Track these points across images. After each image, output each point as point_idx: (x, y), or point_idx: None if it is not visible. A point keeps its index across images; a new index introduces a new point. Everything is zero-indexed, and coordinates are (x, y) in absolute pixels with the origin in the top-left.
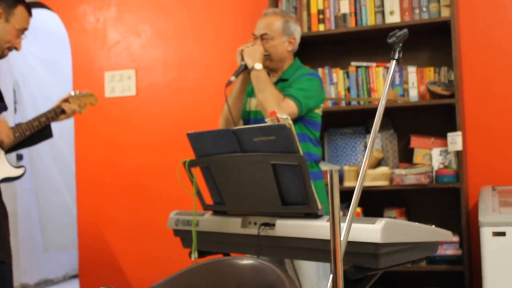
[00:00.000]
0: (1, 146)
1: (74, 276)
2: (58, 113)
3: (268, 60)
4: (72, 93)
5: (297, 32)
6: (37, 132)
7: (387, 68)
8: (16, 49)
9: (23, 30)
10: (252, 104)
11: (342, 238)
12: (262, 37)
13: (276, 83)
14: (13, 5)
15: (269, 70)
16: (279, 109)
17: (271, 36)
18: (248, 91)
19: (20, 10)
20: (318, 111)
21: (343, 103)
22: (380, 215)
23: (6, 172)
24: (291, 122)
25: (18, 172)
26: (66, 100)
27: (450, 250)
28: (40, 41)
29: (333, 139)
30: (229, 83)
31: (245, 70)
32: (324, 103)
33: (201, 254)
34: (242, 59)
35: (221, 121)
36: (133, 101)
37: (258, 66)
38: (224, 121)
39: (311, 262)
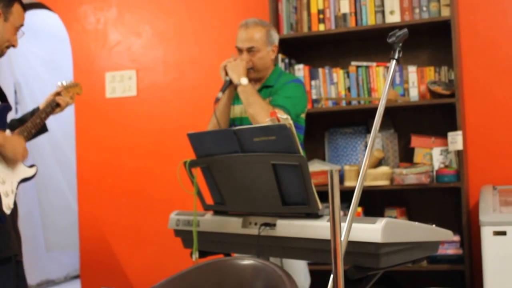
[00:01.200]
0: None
1: (76, 277)
2: (54, 107)
3: (254, 72)
4: (60, 84)
5: (277, 40)
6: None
7: (387, 68)
8: (13, 46)
9: (19, 27)
10: (236, 111)
11: (342, 238)
12: (249, 50)
13: (260, 90)
14: (10, 4)
15: (254, 79)
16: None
17: (257, 49)
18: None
19: (16, 7)
20: (303, 116)
21: (343, 103)
22: (380, 214)
23: (23, 173)
24: (291, 122)
25: (32, 171)
26: (58, 94)
27: (451, 250)
28: (40, 42)
29: (334, 139)
30: (218, 100)
31: (230, 85)
32: (307, 106)
33: (202, 254)
34: (226, 74)
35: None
36: (134, 101)
37: (244, 81)
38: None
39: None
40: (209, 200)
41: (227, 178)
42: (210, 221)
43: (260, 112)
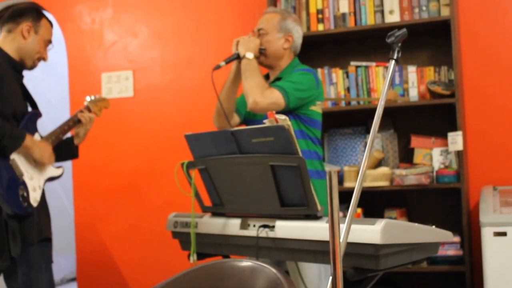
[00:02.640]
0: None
1: (72, 280)
2: (75, 121)
3: (263, 55)
4: (88, 98)
5: (296, 31)
6: (65, 148)
7: (387, 68)
8: (44, 59)
9: (49, 41)
10: None
11: (341, 239)
12: (259, 32)
13: (273, 82)
14: (38, 18)
15: (267, 67)
16: (262, 97)
17: (265, 31)
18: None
19: (44, 22)
20: (315, 108)
21: (342, 103)
22: (380, 215)
23: (50, 172)
24: (289, 123)
25: (59, 172)
26: (87, 108)
27: (451, 251)
28: None
29: (333, 140)
30: (218, 67)
31: (237, 59)
32: (323, 101)
33: (200, 256)
34: (237, 49)
35: (214, 113)
36: (131, 102)
37: (250, 55)
38: (217, 113)
39: (312, 263)
40: (207, 202)
41: (225, 179)
42: (208, 223)
43: (254, 87)
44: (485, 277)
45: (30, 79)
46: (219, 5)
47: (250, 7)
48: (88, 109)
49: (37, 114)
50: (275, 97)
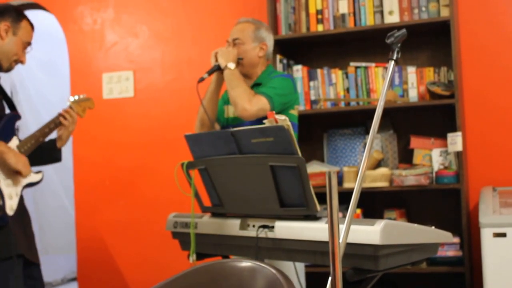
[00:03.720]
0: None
1: (72, 279)
2: (57, 124)
3: (240, 65)
4: (71, 99)
5: (269, 39)
6: (47, 151)
7: (386, 69)
8: (22, 62)
9: (28, 43)
10: (230, 111)
11: (341, 240)
12: (234, 42)
13: (252, 88)
14: (18, 19)
15: (243, 75)
16: (250, 104)
17: (242, 41)
18: (225, 98)
19: (25, 23)
20: (293, 112)
21: (342, 104)
22: (380, 216)
23: (28, 178)
24: (289, 123)
25: (38, 177)
26: (70, 108)
27: (450, 252)
28: (37, 43)
29: (333, 140)
30: (201, 79)
31: (218, 70)
32: (299, 104)
33: (200, 256)
34: (216, 60)
35: (197, 123)
36: (131, 102)
37: (231, 65)
38: (200, 123)
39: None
40: (207, 202)
41: (225, 179)
42: (208, 223)
43: (241, 95)
44: (485, 278)
45: (31, 80)
46: (220, 6)
47: (249, 8)
48: (71, 109)
49: (15, 116)
50: (262, 103)
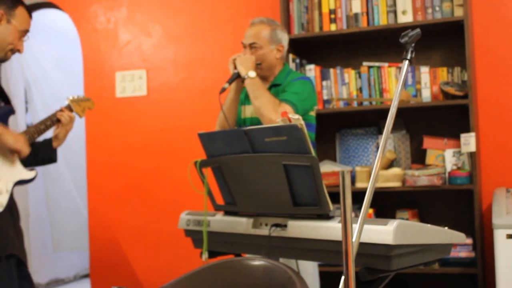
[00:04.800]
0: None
1: (85, 276)
2: (54, 121)
3: (259, 68)
4: (70, 97)
5: (285, 40)
6: (42, 151)
7: (399, 68)
8: (19, 51)
9: (24, 31)
10: (247, 111)
11: (354, 239)
12: (251, 46)
13: (269, 89)
14: (13, 6)
15: (260, 77)
16: (276, 114)
17: (259, 45)
18: (241, 99)
19: (20, 10)
20: (313, 113)
21: (355, 104)
22: (392, 216)
23: (20, 175)
24: (303, 122)
25: (31, 175)
26: (68, 107)
27: (463, 253)
28: (51, 41)
29: (345, 140)
30: (223, 90)
31: (237, 78)
32: (317, 105)
33: (212, 254)
34: (235, 67)
35: (217, 129)
36: (144, 101)
37: (252, 74)
38: (220, 129)
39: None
40: (220, 201)
41: (238, 178)
42: (220, 221)
43: (266, 105)
44: (498, 280)
45: (45, 78)
46: (233, 5)
47: (262, 7)
48: (70, 108)
49: (9, 110)
50: (298, 116)
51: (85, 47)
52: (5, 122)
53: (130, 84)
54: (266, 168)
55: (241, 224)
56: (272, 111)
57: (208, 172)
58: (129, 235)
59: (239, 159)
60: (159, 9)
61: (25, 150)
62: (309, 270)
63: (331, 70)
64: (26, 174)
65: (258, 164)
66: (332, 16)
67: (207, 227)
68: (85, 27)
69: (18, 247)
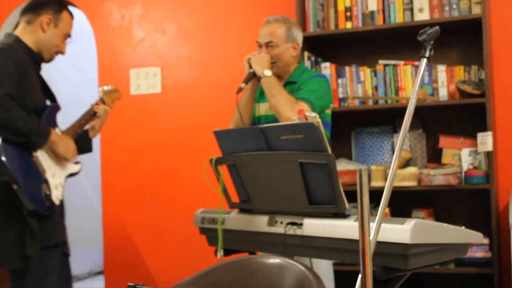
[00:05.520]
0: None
1: (99, 273)
2: (92, 115)
3: (275, 67)
4: (101, 90)
5: (300, 38)
6: (80, 142)
7: (415, 67)
8: (62, 53)
9: (68, 35)
10: (261, 109)
11: (371, 238)
12: (267, 45)
13: (283, 86)
14: (59, 11)
15: (276, 76)
16: (293, 112)
17: (276, 44)
18: (255, 97)
19: (65, 14)
20: (328, 111)
21: (370, 102)
22: (407, 216)
23: (70, 169)
24: (319, 120)
25: (77, 168)
26: (101, 100)
27: (479, 253)
28: None
29: (360, 138)
30: (240, 90)
31: (253, 77)
32: (332, 103)
33: (227, 252)
34: (250, 67)
35: (232, 127)
36: (159, 98)
37: (268, 72)
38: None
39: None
40: (235, 198)
41: (254, 176)
42: (235, 219)
43: (283, 103)
44: None
45: (59, 74)
46: (248, 2)
47: (278, 5)
48: (103, 101)
49: (56, 107)
50: (314, 113)
51: (99, 44)
52: (54, 121)
53: (145, 81)
54: (282, 166)
55: (256, 222)
56: (289, 109)
57: (223, 169)
58: (143, 233)
59: (254, 156)
60: (174, 6)
61: (73, 158)
62: (324, 269)
63: (347, 68)
64: (74, 168)
65: (273, 162)
66: (348, 13)
67: (222, 225)
68: (99, 25)
69: (65, 239)
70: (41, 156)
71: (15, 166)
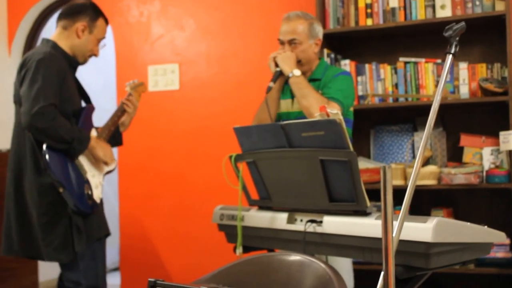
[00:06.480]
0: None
1: (114, 269)
2: (123, 111)
3: (299, 65)
4: (128, 85)
5: (321, 33)
6: (112, 136)
7: (436, 64)
8: (95, 55)
9: (101, 39)
10: (283, 106)
11: (393, 236)
12: (290, 42)
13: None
14: (95, 18)
15: None
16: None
17: (299, 41)
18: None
19: (100, 21)
20: (351, 109)
21: (390, 100)
22: (427, 215)
23: (107, 167)
24: (341, 117)
25: (113, 165)
26: (129, 95)
27: (500, 253)
28: None
29: (380, 137)
30: (269, 89)
31: (280, 76)
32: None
33: (245, 249)
34: (276, 65)
35: (254, 123)
36: (176, 95)
37: (297, 72)
38: (257, 123)
39: (341, 259)
40: (254, 195)
41: (274, 173)
42: (254, 216)
43: (315, 104)
44: None
45: (79, 71)
46: None
47: (297, 1)
48: (131, 96)
49: (91, 108)
50: (336, 110)
51: (117, 41)
52: (91, 122)
53: (163, 78)
54: (302, 163)
55: (276, 220)
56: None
57: (243, 166)
58: (160, 228)
59: (275, 153)
60: (192, 2)
61: (112, 163)
62: (345, 267)
63: (367, 66)
64: (110, 165)
65: (294, 159)
66: (369, 10)
67: (241, 221)
68: (118, 21)
69: (108, 231)
70: (81, 158)
71: (59, 171)
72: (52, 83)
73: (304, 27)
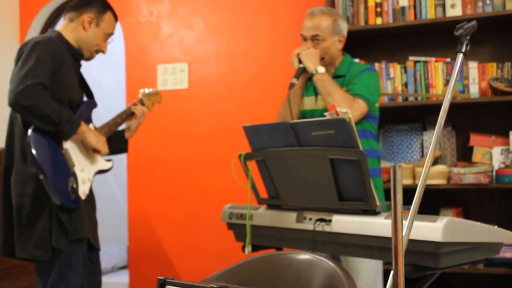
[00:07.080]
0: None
1: (122, 268)
2: (129, 114)
3: (322, 61)
4: (142, 92)
5: (345, 30)
6: (115, 141)
7: (446, 63)
8: (103, 52)
9: (109, 34)
10: (306, 104)
11: (403, 235)
12: (313, 38)
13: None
14: (103, 11)
15: None
16: (352, 110)
17: (322, 38)
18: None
19: (108, 15)
20: (377, 105)
21: (400, 99)
22: (436, 215)
23: (101, 165)
24: (351, 116)
25: (108, 165)
26: (140, 101)
27: (509, 253)
28: None
29: (389, 136)
30: (292, 85)
31: (303, 72)
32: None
33: (254, 248)
34: (299, 62)
35: (278, 120)
36: (185, 94)
37: (321, 69)
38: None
39: (365, 260)
40: (263, 194)
41: (283, 172)
42: (263, 215)
43: (340, 102)
44: None
45: (88, 70)
46: None
47: (306, 0)
48: (142, 102)
49: (92, 104)
50: (362, 107)
51: (127, 40)
52: (90, 117)
53: (172, 77)
54: (312, 162)
55: (285, 218)
56: (348, 108)
57: (252, 165)
58: (169, 226)
59: (284, 152)
60: (202, 2)
61: (105, 150)
62: (372, 268)
63: (376, 65)
64: (105, 164)
65: (304, 158)
66: (378, 9)
67: (250, 220)
68: (128, 20)
69: (90, 234)
70: (72, 150)
71: (43, 157)
72: (45, 65)
73: (328, 23)
